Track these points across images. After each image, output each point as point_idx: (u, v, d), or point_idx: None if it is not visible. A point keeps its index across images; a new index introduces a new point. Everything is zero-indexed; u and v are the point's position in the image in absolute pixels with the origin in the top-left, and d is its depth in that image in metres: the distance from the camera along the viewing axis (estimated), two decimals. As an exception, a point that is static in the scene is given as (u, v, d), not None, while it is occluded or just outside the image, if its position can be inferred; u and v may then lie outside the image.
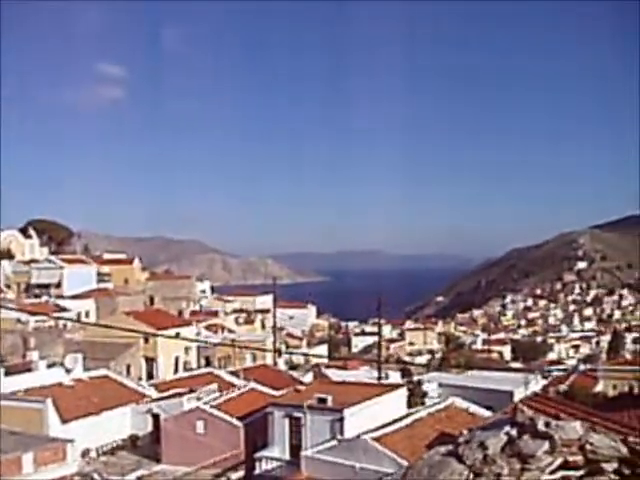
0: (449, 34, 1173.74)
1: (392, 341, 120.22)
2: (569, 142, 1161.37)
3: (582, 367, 68.38)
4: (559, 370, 70.63)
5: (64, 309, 76.04)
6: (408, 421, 30.61)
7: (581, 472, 4.98)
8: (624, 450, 5.13)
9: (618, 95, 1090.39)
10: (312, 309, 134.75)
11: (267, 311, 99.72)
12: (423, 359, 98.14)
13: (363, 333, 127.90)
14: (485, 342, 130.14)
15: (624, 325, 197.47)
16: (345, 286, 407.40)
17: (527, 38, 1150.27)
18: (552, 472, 4.76)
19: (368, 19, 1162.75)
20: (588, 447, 4.90)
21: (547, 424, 4.84)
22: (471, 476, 4.53)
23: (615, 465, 5.12)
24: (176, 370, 65.19)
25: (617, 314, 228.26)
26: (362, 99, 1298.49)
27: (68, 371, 46.73)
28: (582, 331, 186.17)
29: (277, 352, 67.03)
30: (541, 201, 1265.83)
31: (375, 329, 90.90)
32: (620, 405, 34.35)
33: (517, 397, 35.62)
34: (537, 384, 48.21)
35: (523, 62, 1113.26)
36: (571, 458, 4.82)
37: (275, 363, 62.60)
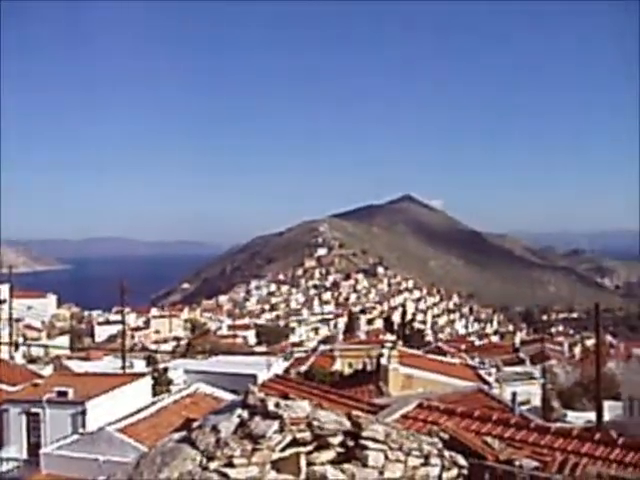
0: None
1: (137, 329, 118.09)
2: (309, 136, 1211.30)
3: (321, 348, 71.66)
4: (300, 352, 73.44)
5: None
6: (153, 410, 30.24)
7: (310, 447, 5.27)
8: (347, 424, 5.50)
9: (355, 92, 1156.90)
10: (52, 298, 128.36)
11: (2, 302, 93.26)
12: (169, 346, 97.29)
13: (107, 322, 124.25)
14: (230, 327, 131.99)
15: (359, 307, 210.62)
16: (89, 274, 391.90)
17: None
18: (282, 450, 4.99)
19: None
20: (315, 423, 5.19)
21: (277, 404, 5.04)
22: (204, 460, 4.60)
23: (340, 438, 5.48)
24: None
25: (353, 297, 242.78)
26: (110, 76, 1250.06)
27: None
28: (321, 314, 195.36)
29: (14, 345, 63.07)
30: (284, 190, 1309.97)
31: (119, 317, 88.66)
32: (355, 381, 36.67)
33: (261, 380, 36.58)
34: (279, 366, 49.86)
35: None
36: (299, 435, 5.08)
37: (12, 357, 58.78)
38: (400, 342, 68.30)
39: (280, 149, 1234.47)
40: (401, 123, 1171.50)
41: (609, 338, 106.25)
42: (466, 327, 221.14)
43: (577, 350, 75.64)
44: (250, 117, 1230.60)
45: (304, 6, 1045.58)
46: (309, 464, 5.31)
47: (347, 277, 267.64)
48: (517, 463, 6.88)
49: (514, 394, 24.48)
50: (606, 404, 38.83)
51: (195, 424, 4.99)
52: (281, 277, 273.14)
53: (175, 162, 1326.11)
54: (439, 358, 44.01)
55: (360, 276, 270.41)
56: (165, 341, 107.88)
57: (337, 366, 56.21)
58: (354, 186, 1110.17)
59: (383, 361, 34.85)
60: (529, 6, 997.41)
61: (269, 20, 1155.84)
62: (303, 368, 51.33)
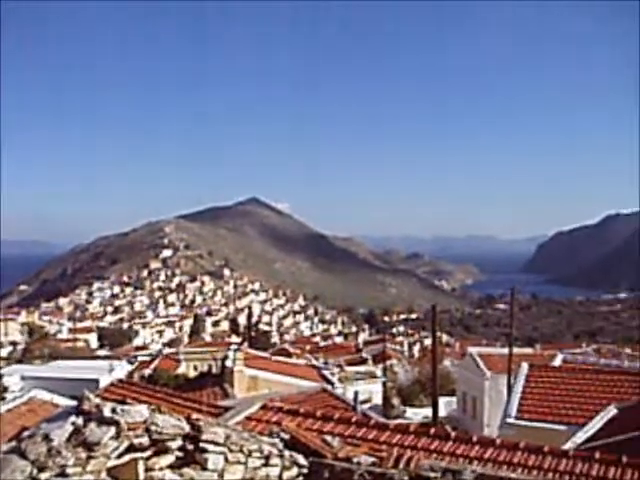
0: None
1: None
2: (155, 137, 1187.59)
3: (166, 351, 70.60)
4: (144, 355, 71.94)
5: None
6: (-17, 419, 28.61)
7: (148, 453, 5.16)
8: (187, 427, 5.44)
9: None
10: None
11: None
12: (4, 352, 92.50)
13: None
14: (71, 331, 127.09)
15: (205, 310, 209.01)
16: None
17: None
18: (119, 456, 4.85)
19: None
20: (153, 428, 5.08)
21: (113, 410, 4.90)
22: (35, 471, 4.40)
23: (179, 442, 5.41)
24: None
25: (199, 299, 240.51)
26: None
27: None
28: (166, 316, 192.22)
29: None
30: (130, 190, 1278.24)
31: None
32: (200, 384, 36.33)
33: (102, 385, 35.50)
34: (123, 370, 48.57)
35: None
36: (137, 440, 4.96)
37: None
38: (246, 344, 68.34)
39: (126, 150, 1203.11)
40: (249, 126, 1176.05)
41: (446, 337, 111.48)
42: (311, 328, 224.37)
43: (416, 349, 78.68)
44: (91, 115, 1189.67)
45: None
46: (147, 470, 5.20)
47: (193, 279, 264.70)
48: (355, 460, 7.05)
49: (356, 393, 25.07)
50: (442, 400, 40.69)
51: (26, 433, 4.76)
52: (125, 279, 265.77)
53: (15, 158, 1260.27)
54: (284, 359, 44.35)
55: (206, 278, 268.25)
56: (0, 346, 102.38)
57: (182, 369, 55.53)
58: (201, 188, 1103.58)
59: (228, 363, 34.68)
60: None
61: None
62: (147, 372, 50.33)
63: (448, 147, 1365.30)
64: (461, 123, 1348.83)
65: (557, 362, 28.86)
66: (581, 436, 16.63)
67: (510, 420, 21.77)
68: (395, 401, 42.94)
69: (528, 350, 46.22)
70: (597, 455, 11.15)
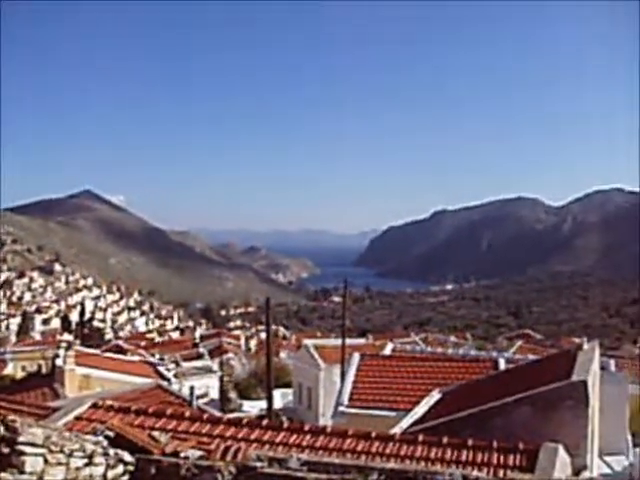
0: None
1: None
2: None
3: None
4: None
5: None
6: None
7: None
8: (1, 429, 5.21)
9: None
10: None
11: None
12: None
13: None
14: None
15: (34, 307, 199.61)
16: None
17: None
18: None
19: None
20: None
21: None
22: None
23: (-8, 446, 5.18)
24: None
25: (27, 296, 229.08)
26: None
27: None
28: None
29: None
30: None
31: None
32: (29, 385, 34.77)
33: None
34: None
35: None
36: None
37: None
38: (78, 342, 66.15)
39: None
40: (83, 117, 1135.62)
41: (282, 330, 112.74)
42: (147, 324, 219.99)
43: (253, 343, 78.93)
44: None
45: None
46: (-42, 477, 4.95)
47: (21, 275, 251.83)
48: (182, 454, 7.04)
49: (192, 388, 24.99)
50: (279, 392, 41.24)
51: None
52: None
53: None
54: (118, 356, 43.31)
55: (35, 274, 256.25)
56: None
57: (9, 370, 53.04)
58: (30, 179, 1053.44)
59: (59, 362, 33.47)
60: None
61: None
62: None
63: (280, 141, 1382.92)
64: (286, 115, 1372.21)
65: (387, 351, 30.03)
66: (407, 421, 17.36)
67: (342, 408, 22.41)
68: (232, 395, 42.97)
69: (361, 341, 47.62)
70: (420, 438, 11.72)
